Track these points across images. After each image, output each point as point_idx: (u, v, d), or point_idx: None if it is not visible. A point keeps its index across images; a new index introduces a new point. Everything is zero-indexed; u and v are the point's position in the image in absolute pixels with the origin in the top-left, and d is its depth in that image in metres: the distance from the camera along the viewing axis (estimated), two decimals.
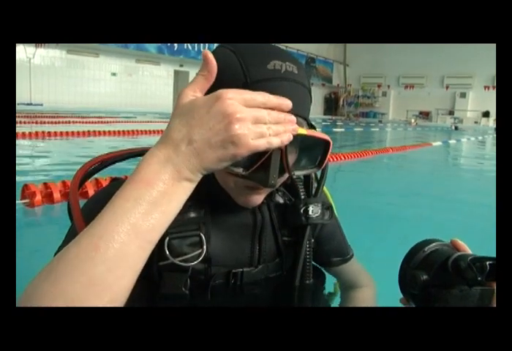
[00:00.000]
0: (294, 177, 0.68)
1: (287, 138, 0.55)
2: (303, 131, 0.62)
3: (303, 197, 0.85)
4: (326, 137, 0.68)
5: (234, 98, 0.51)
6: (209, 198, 0.77)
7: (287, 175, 0.69)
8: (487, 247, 0.70)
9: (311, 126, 0.71)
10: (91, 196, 0.80)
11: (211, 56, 0.55)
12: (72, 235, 0.70)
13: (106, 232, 0.48)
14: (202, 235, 0.75)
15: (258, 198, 0.73)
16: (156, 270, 0.74)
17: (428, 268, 0.61)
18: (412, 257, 0.64)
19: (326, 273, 1.00)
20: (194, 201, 0.73)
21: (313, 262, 0.89)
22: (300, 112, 0.67)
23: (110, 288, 0.47)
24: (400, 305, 0.67)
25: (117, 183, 0.80)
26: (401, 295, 0.67)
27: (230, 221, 0.81)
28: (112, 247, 0.47)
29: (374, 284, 1.04)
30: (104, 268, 0.47)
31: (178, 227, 0.73)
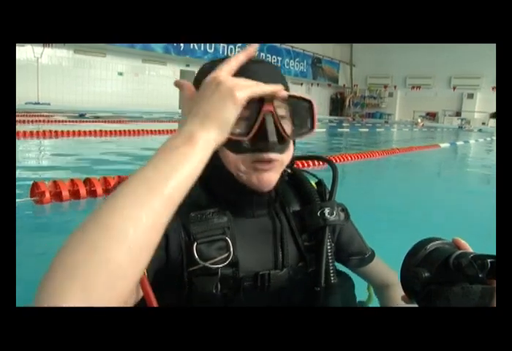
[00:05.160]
0: (294, 140, 0.78)
1: (279, 89, 0.66)
2: (286, 92, 0.70)
3: (318, 201, 0.88)
4: (307, 96, 0.75)
5: (214, 72, 0.63)
6: (229, 206, 0.81)
7: (290, 148, 0.78)
8: (492, 248, 0.70)
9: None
10: None
11: (178, 80, 0.68)
12: None
13: (125, 187, 0.53)
14: (227, 238, 0.78)
15: (269, 176, 0.76)
16: (187, 276, 0.77)
17: (429, 266, 0.62)
18: (414, 255, 0.65)
19: (353, 279, 1.03)
20: (216, 208, 0.79)
21: (338, 264, 0.92)
22: (279, 82, 0.74)
23: (127, 236, 0.49)
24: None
25: None
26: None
27: (251, 228, 0.84)
28: (129, 199, 0.51)
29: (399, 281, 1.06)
30: (121, 217, 0.49)
31: (204, 232, 0.77)
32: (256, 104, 0.68)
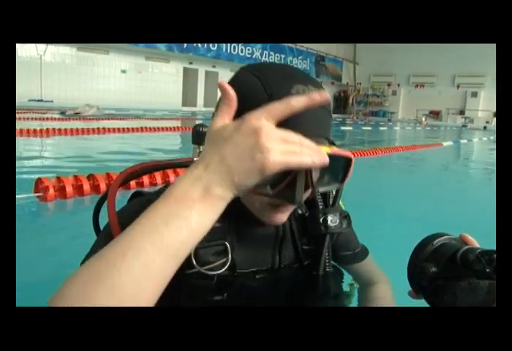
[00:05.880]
0: (317, 193, 0.72)
1: (318, 159, 0.54)
2: (327, 149, 0.62)
3: (321, 206, 0.87)
4: (349, 154, 0.70)
5: (261, 115, 0.53)
6: (232, 209, 0.79)
7: (310, 191, 0.69)
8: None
9: (331, 143, 0.73)
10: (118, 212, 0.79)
11: (226, 86, 0.57)
12: (101, 242, 0.72)
13: (134, 243, 0.49)
14: (227, 243, 0.78)
15: (283, 216, 0.74)
16: (182, 277, 0.75)
17: (437, 261, 0.62)
18: (421, 250, 0.65)
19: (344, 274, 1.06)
20: None
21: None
22: (324, 133, 0.70)
23: (134, 298, 0.47)
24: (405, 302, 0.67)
25: (138, 201, 0.82)
26: (406, 289, 0.67)
27: (253, 232, 0.84)
28: (137, 259, 0.48)
29: (388, 281, 1.08)
30: (128, 278, 0.47)
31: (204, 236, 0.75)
32: None
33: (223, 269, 0.76)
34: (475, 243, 0.64)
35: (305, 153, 0.53)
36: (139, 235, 0.49)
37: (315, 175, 0.68)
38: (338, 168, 0.72)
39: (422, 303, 0.64)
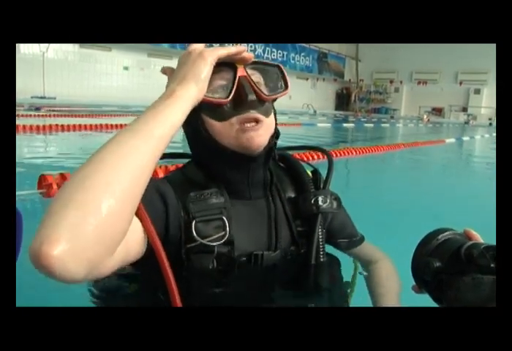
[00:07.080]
0: (269, 98, 0.83)
1: (243, 49, 0.74)
2: (251, 54, 0.78)
3: (312, 190, 0.93)
4: (276, 63, 0.84)
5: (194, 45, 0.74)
6: (227, 185, 0.86)
7: (272, 114, 0.84)
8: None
9: None
10: None
11: (163, 68, 0.85)
12: None
13: (118, 134, 0.64)
14: (224, 218, 0.82)
15: (258, 135, 0.81)
16: (184, 252, 0.81)
17: (441, 256, 0.63)
18: (425, 245, 0.66)
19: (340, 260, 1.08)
20: (214, 189, 0.84)
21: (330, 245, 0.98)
22: None
23: (127, 161, 0.60)
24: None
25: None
26: (409, 284, 0.68)
27: (247, 209, 0.88)
28: (122, 140, 0.63)
29: (389, 257, 1.12)
30: (123, 142, 0.62)
31: (202, 211, 0.81)
32: (230, 71, 0.78)
33: (222, 241, 0.80)
34: (479, 238, 0.65)
35: (230, 47, 0.73)
36: (123, 131, 0.65)
37: (263, 88, 0.82)
38: (275, 77, 0.84)
39: (415, 303, 0.64)
